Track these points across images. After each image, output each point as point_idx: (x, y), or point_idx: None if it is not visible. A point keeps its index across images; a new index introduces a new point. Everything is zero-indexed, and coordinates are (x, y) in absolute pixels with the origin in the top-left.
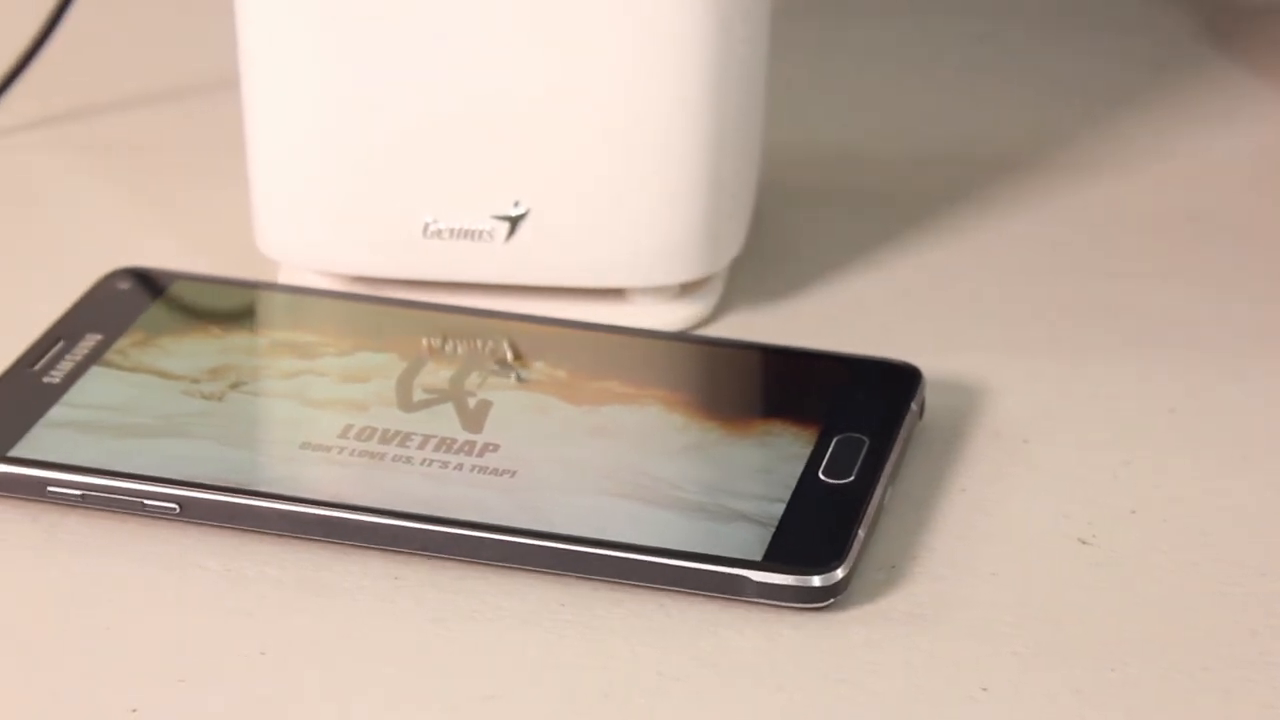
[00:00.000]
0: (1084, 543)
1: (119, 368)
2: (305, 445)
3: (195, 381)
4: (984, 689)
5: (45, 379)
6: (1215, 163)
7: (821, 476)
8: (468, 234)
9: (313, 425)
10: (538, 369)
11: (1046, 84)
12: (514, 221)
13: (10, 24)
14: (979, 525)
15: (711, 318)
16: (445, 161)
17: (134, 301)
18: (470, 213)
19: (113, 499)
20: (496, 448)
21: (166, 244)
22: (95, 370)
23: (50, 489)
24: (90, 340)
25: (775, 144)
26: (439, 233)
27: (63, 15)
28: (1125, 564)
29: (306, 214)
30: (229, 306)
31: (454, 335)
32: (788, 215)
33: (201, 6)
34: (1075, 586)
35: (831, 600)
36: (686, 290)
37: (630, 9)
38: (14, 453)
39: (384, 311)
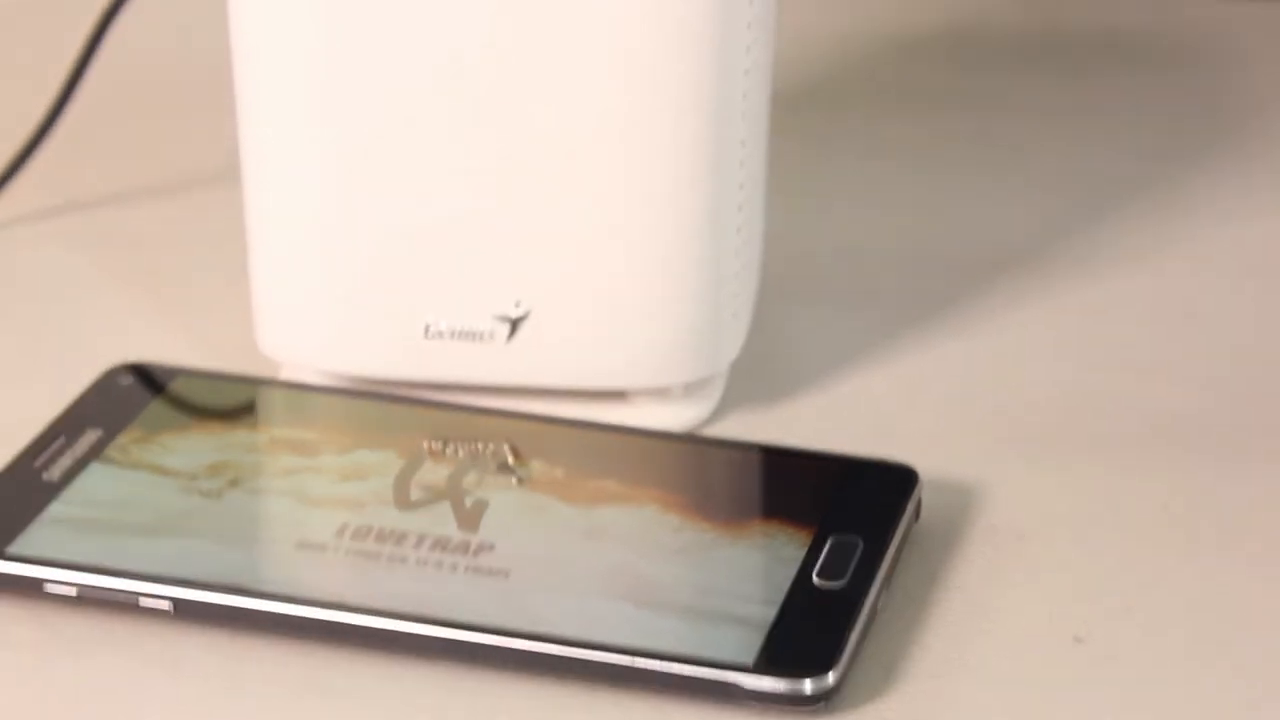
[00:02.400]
0: (1080, 641)
1: (118, 464)
2: (301, 545)
3: (193, 478)
4: None
5: (45, 475)
6: (1213, 255)
7: (815, 579)
8: (469, 335)
9: (309, 524)
10: (535, 468)
11: (1043, 177)
12: (515, 322)
13: (12, 116)
14: (974, 623)
15: (712, 418)
16: (446, 262)
17: (135, 397)
18: (471, 313)
19: (107, 597)
20: (492, 548)
21: (168, 338)
22: (94, 466)
23: (47, 587)
24: (90, 436)
25: (774, 241)
26: (440, 334)
27: (64, 107)
28: (1121, 663)
29: (308, 316)
30: (229, 402)
31: (452, 433)
32: (787, 313)
33: (202, 101)
34: (1071, 685)
35: (823, 704)
36: (687, 391)
37: (630, 114)
38: (12, 550)
39: (383, 409)
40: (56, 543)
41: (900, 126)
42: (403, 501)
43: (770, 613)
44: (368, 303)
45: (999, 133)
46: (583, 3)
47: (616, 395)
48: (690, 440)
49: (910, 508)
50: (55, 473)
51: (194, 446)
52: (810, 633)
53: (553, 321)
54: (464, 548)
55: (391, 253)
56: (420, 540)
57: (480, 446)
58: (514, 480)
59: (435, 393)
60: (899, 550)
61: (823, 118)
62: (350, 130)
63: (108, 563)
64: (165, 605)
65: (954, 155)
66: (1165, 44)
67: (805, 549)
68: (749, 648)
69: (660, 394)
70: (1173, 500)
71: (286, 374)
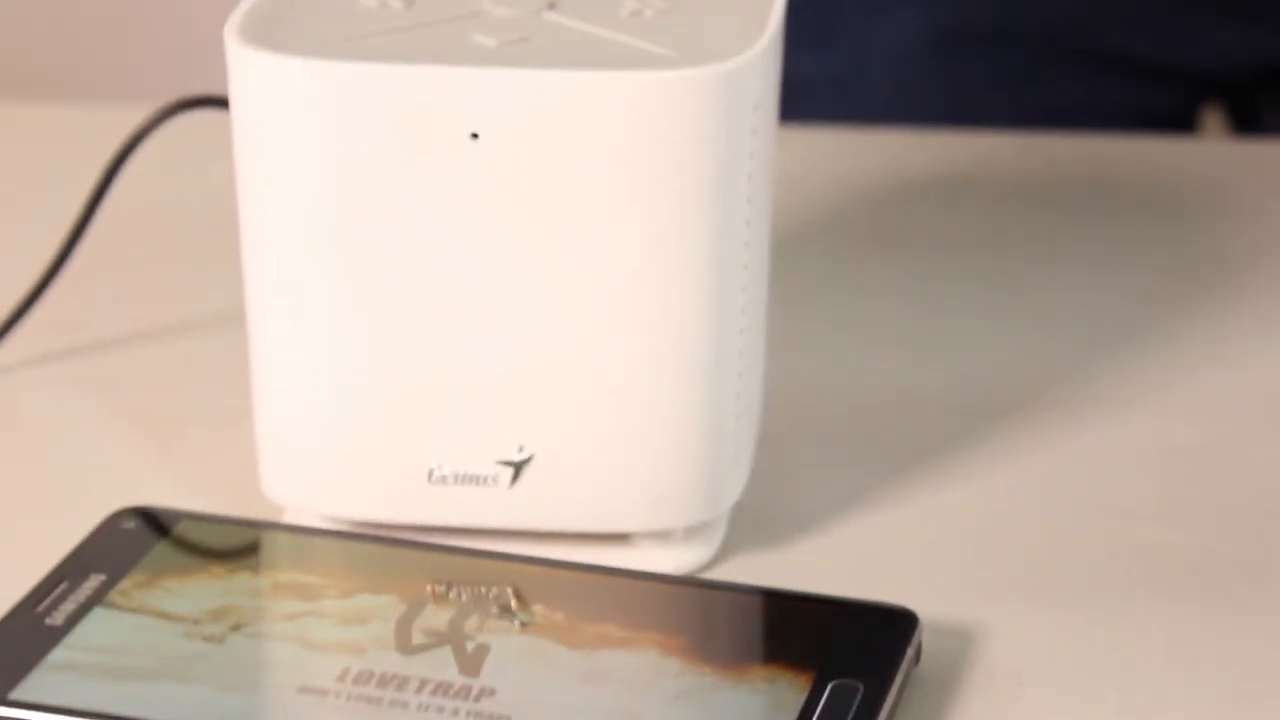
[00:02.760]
0: None
1: (121, 609)
2: (303, 689)
3: (196, 623)
4: None
5: (48, 620)
6: (1213, 398)
7: None
8: (472, 479)
9: (311, 668)
10: (536, 612)
11: (1040, 319)
12: (518, 467)
13: (18, 261)
14: None
15: (714, 560)
16: (450, 408)
17: (138, 541)
18: (475, 458)
19: None
20: (493, 693)
21: (172, 481)
22: (98, 611)
23: None
24: (94, 581)
25: (772, 383)
26: (444, 478)
27: (70, 252)
28: None
29: (311, 461)
30: (232, 546)
31: (454, 577)
32: (786, 455)
33: (205, 246)
34: None
35: None
36: (690, 534)
37: (630, 264)
38: (15, 695)
39: (385, 553)
40: (59, 688)
41: (897, 269)
42: (404, 646)
43: None
44: (372, 448)
45: (996, 276)
46: (584, 171)
47: (619, 538)
48: (691, 583)
49: (910, 652)
50: (59, 617)
51: (197, 591)
52: None
53: (556, 466)
54: (465, 693)
55: (395, 399)
56: (422, 685)
57: (482, 591)
58: (515, 624)
59: (437, 536)
60: (899, 694)
61: (820, 261)
62: (354, 280)
63: (111, 708)
64: None
65: (951, 298)
66: (1162, 187)
67: (805, 693)
68: None
69: (662, 537)
70: (1173, 643)
71: (290, 518)
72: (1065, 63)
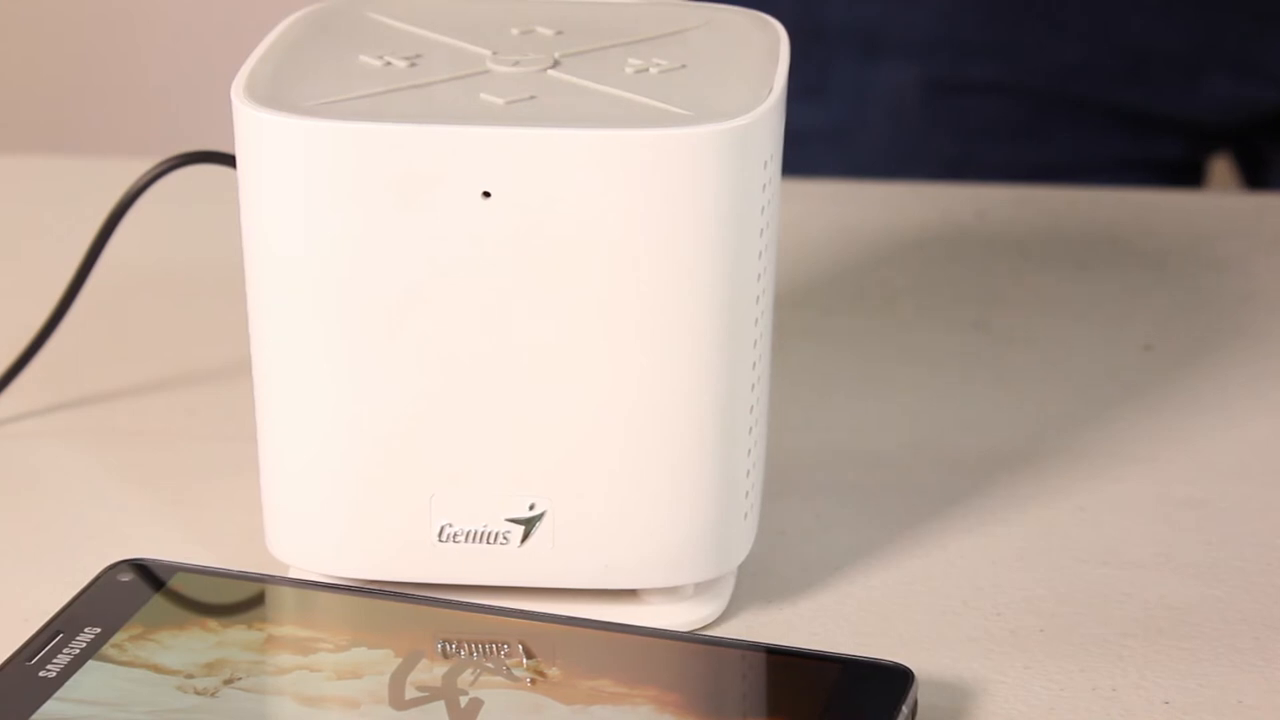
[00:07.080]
0: None
1: (115, 662)
2: None
3: (190, 677)
4: None
5: (42, 673)
6: (1215, 450)
7: None
8: (482, 537)
9: None
10: (531, 666)
11: (1043, 371)
12: (529, 525)
13: (17, 311)
14: None
15: (722, 616)
16: (460, 466)
17: (134, 594)
18: (485, 517)
19: None
20: None
21: (173, 536)
22: (92, 664)
23: None
24: (89, 633)
25: (776, 439)
26: (454, 536)
27: (70, 303)
28: None
29: (320, 521)
30: (228, 599)
31: (450, 631)
32: (789, 510)
33: (205, 298)
34: None
35: None
36: (699, 590)
37: (642, 321)
38: None
39: (381, 607)
40: None
41: (896, 322)
42: (397, 700)
43: None
44: (380, 508)
45: (996, 328)
46: (598, 228)
47: (628, 594)
48: (688, 639)
49: (906, 709)
50: (53, 670)
51: (191, 644)
52: None
53: (566, 524)
54: None
55: (405, 458)
56: None
57: (477, 645)
58: (510, 679)
59: (443, 591)
60: None
61: (822, 313)
62: (362, 339)
63: None
64: None
65: (950, 351)
66: (1162, 239)
67: None
68: None
69: (672, 593)
70: (1175, 696)
71: (295, 575)
72: (1064, 114)
